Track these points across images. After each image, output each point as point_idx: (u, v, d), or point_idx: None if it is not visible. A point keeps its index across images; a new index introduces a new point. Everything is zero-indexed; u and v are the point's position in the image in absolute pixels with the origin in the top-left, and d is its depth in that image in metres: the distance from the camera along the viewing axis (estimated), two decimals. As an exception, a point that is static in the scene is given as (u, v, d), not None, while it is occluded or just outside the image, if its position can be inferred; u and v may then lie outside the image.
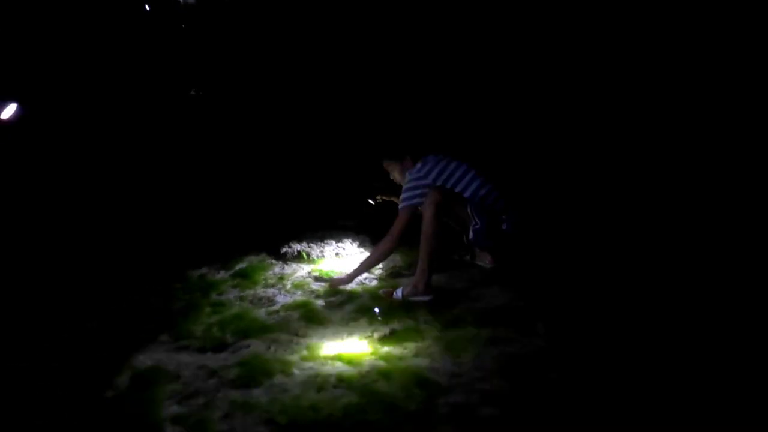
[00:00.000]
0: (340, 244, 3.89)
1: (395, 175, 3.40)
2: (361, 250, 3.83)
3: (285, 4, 4.87)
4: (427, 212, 3.03)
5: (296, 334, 2.74)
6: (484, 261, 3.47)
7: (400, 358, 2.49)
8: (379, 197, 3.61)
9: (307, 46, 5.09)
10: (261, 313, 2.98)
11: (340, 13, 5.00)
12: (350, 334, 2.73)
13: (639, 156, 4.42)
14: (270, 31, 4.92)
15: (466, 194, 3.15)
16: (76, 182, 4.65)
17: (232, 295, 3.25)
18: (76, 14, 4.46)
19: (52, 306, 3.18)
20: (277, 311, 3.02)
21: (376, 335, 2.70)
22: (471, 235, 3.13)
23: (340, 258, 3.73)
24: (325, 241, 3.93)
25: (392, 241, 3.22)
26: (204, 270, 3.65)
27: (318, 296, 3.19)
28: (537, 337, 2.58)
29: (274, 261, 3.69)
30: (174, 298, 3.23)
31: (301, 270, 3.56)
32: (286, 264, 3.66)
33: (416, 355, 2.51)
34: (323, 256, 3.76)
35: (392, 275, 3.46)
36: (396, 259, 3.61)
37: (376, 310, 2.87)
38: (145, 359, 2.50)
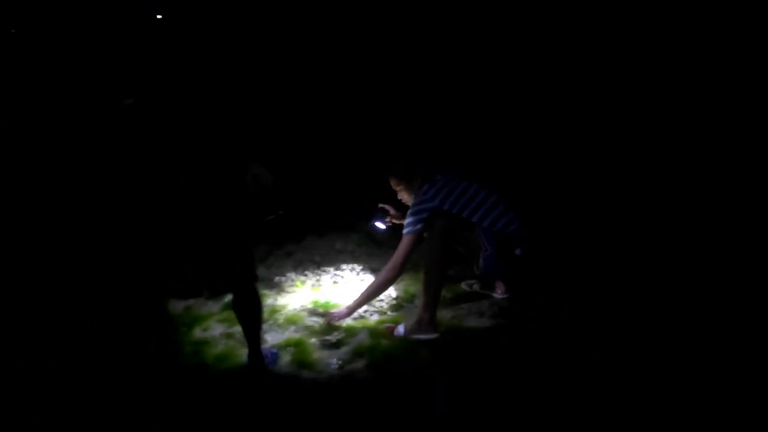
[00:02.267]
0: (338, 272, 3.64)
1: (403, 195, 3.14)
2: (362, 277, 3.58)
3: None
4: (433, 241, 2.79)
5: (283, 380, 2.50)
6: (496, 291, 3.21)
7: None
8: (389, 220, 3.32)
9: (310, 50, 4.86)
10: (247, 353, 2.72)
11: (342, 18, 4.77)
12: (345, 383, 2.48)
13: (661, 169, 4.23)
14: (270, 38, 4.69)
15: (475, 218, 2.89)
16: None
17: (218, 331, 3.01)
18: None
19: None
20: (266, 352, 2.77)
21: (373, 381, 2.45)
22: (481, 262, 2.87)
23: (339, 287, 3.48)
24: (323, 268, 3.69)
25: (395, 270, 2.98)
26: (191, 301, 3.39)
27: (312, 332, 2.95)
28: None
29: (267, 291, 3.44)
30: (154, 335, 2.98)
31: (295, 301, 3.31)
32: (280, 294, 3.42)
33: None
34: (320, 284, 3.51)
35: (395, 308, 3.22)
36: (400, 288, 3.35)
37: None
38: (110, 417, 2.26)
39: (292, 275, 3.63)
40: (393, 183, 3.13)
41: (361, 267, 3.68)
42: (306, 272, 3.65)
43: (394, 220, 3.31)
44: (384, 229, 3.36)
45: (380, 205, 3.30)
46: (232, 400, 2.38)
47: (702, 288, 3.03)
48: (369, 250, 3.95)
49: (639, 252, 3.49)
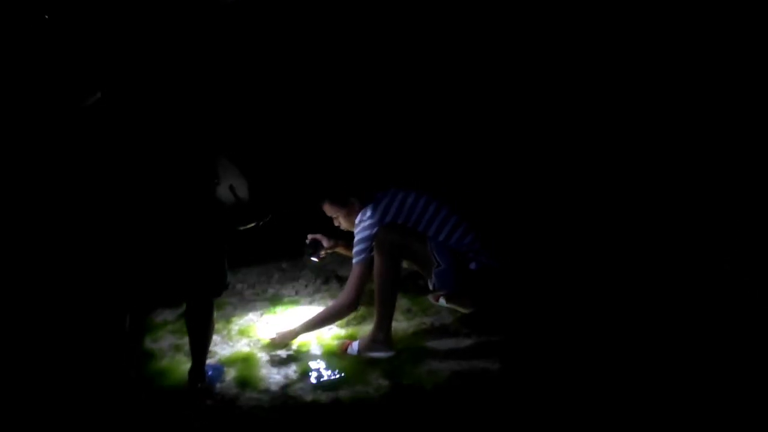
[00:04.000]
0: (301, 281, 3.52)
1: (341, 222, 2.97)
2: (325, 287, 3.46)
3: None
4: (379, 256, 2.65)
5: (222, 401, 2.37)
6: (461, 305, 3.06)
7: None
8: (323, 252, 3.11)
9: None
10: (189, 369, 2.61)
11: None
12: (288, 404, 2.35)
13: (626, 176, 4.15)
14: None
15: (430, 232, 2.75)
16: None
17: (167, 342, 2.91)
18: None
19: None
20: (212, 367, 2.65)
21: (317, 404, 2.32)
22: (434, 278, 2.72)
23: (300, 297, 3.37)
24: (287, 277, 3.57)
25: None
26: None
27: (263, 348, 2.83)
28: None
29: (227, 299, 3.31)
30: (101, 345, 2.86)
31: (254, 311, 3.21)
32: (240, 303, 3.30)
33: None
34: (282, 294, 3.39)
35: (355, 320, 3.08)
36: (363, 300, 3.19)
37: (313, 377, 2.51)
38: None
39: (255, 283, 3.51)
40: (328, 210, 2.96)
41: (326, 276, 3.55)
42: (270, 280, 3.54)
43: (328, 250, 3.13)
44: (318, 261, 3.20)
45: (310, 237, 3.11)
46: (163, 421, 2.27)
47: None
48: (341, 257, 3.80)
49: (604, 261, 3.39)
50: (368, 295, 3.20)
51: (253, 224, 2.59)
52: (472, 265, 2.72)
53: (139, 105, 2.38)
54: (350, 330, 2.97)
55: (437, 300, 3.20)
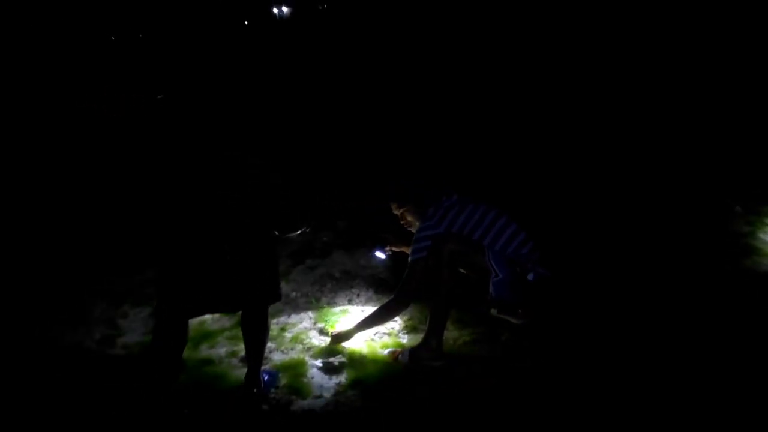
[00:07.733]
0: (354, 289, 3.58)
1: (406, 220, 3.04)
2: (378, 296, 3.51)
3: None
4: (438, 265, 2.71)
5: (277, 406, 2.45)
6: (513, 316, 3.05)
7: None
8: (388, 248, 3.26)
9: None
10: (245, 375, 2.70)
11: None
12: (339, 410, 2.41)
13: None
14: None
15: (486, 241, 2.77)
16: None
17: (223, 349, 3.02)
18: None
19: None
20: (266, 373, 2.74)
21: (368, 411, 2.37)
22: (491, 288, 2.73)
23: (353, 306, 3.44)
24: (340, 285, 3.64)
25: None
26: (206, 316, 3.40)
27: (315, 355, 2.90)
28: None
29: (281, 307, 3.41)
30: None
31: (307, 319, 3.29)
32: (294, 311, 3.39)
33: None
34: (335, 302, 3.46)
35: (406, 329, 3.12)
36: (416, 307, 3.25)
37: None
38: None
39: (308, 291, 3.59)
40: (394, 209, 3.05)
41: (376, 285, 3.60)
42: (323, 289, 3.61)
43: (394, 248, 3.25)
44: (383, 259, 3.33)
45: (380, 235, 3.23)
46: (217, 424, 2.37)
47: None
48: (393, 266, 3.86)
49: (660, 270, 3.33)
50: (422, 303, 3.26)
51: (298, 232, 2.67)
52: (530, 276, 2.73)
53: (200, 122, 2.49)
54: (401, 338, 3.01)
55: (488, 310, 3.21)
